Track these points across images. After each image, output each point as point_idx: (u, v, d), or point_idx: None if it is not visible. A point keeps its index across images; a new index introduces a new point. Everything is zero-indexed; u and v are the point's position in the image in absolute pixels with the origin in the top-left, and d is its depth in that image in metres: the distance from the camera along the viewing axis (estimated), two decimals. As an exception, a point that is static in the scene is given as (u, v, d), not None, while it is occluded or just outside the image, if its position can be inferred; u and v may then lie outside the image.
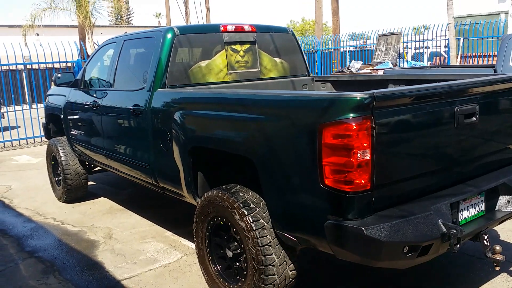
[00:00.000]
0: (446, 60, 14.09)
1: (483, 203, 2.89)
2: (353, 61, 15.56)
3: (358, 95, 2.33)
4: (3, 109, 13.31)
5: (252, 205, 2.93)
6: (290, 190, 2.67)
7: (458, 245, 2.47)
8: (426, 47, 16.08)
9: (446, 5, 12.29)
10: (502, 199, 2.99)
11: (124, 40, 4.65)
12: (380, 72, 13.56)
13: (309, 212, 2.57)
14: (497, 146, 3.16)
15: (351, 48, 17.87)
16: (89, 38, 12.39)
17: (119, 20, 67.78)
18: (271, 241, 2.85)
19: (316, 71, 17.44)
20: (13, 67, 11.83)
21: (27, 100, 12.69)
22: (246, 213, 2.88)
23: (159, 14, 70.31)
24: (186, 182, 3.57)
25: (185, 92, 3.72)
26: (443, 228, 2.45)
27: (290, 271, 2.93)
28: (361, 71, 14.74)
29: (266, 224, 2.87)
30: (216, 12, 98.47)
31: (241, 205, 2.92)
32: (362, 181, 2.36)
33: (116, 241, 4.67)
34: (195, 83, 4.10)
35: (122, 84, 4.50)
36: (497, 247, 2.73)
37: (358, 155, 2.32)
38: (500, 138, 3.16)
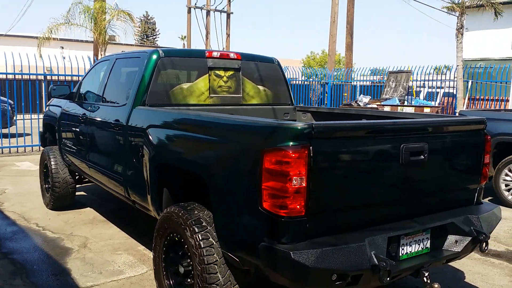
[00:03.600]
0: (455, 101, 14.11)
1: (429, 241, 2.94)
2: (361, 95, 15.70)
3: (299, 124, 2.45)
4: (17, 117, 13.74)
5: (204, 224, 3.02)
6: (233, 210, 2.77)
7: (388, 278, 2.51)
8: (440, 87, 16.16)
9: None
10: (451, 238, 3.04)
11: (116, 59, 4.87)
12: (387, 108, 13.64)
13: (248, 234, 2.66)
14: (449, 187, 3.21)
15: (363, 83, 18.04)
16: (101, 54, 12.83)
17: (145, 40, 69.54)
18: (217, 260, 2.93)
19: (325, 102, 17.62)
20: (33, 77, 12.31)
21: (44, 110, 13.08)
22: (197, 231, 2.98)
23: (184, 37, 71.87)
24: (152, 197, 3.69)
25: (156, 111, 3.88)
26: (375, 260, 2.51)
27: None
28: (368, 106, 14.85)
29: (214, 243, 2.96)
30: (237, 37, 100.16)
31: (193, 222, 3.02)
32: (297, 207, 2.45)
33: (89, 250, 4.78)
34: (175, 104, 4.27)
35: (109, 99, 4.69)
36: (436, 285, 2.77)
37: (294, 181, 2.42)
38: (452, 179, 3.22)
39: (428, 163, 2.94)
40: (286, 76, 16.68)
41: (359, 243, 2.52)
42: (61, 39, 15.16)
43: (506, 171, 6.93)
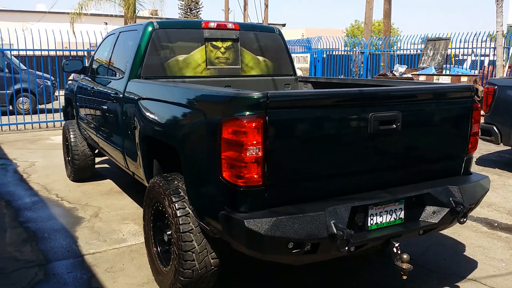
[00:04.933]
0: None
1: (402, 211, 2.88)
2: (397, 64, 15.20)
3: (254, 94, 2.43)
4: (57, 93, 14.35)
5: (182, 193, 3.09)
6: (200, 180, 2.82)
7: (347, 248, 2.50)
8: (485, 55, 15.36)
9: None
10: (428, 209, 2.96)
11: (120, 32, 4.97)
12: (422, 78, 13.17)
13: (212, 203, 2.71)
14: (429, 157, 3.11)
15: (402, 52, 17.42)
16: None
17: (189, 13, 69.89)
18: (192, 229, 3.00)
19: (361, 72, 17.20)
20: (74, 53, 12.78)
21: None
22: (174, 200, 3.06)
23: (229, 10, 71.76)
24: (144, 169, 3.81)
25: (143, 83, 3.94)
26: (334, 229, 2.50)
27: (212, 259, 3.07)
28: (404, 76, 14.39)
29: (191, 212, 3.03)
30: (275, 9, 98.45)
31: (171, 192, 3.10)
32: (254, 176, 2.47)
33: (99, 219, 5.01)
34: (171, 76, 4.32)
35: (112, 72, 4.82)
36: (405, 256, 2.73)
37: (250, 151, 2.43)
38: (433, 149, 3.11)
39: (403, 132, 2.85)
40: (328, 47, 16.29)
41: (318, 212, 2.51)
42: (105, 15, 15.52)
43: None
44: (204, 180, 2.79)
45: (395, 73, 14.67)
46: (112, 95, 4.43)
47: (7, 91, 13.21)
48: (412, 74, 13.53)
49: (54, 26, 15.62)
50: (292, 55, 17.49)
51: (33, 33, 11.48)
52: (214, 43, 4.50)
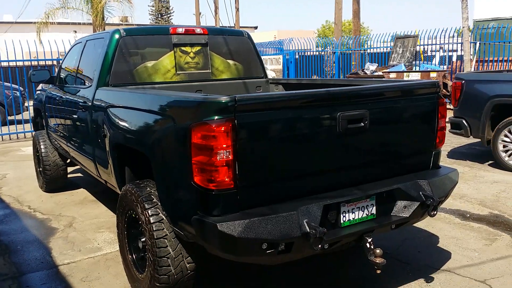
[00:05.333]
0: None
1: (374, 207, 2.93)
2: (368, 63, 15.42)
3: (222, 98, 2.45)
4: (27, 103, 14.05)
5: (154, 200, 3.07)
6: (172, 186, 2.82)
7: (320, 245, 2.53)
8: (453, 51, 15.70)
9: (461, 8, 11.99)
10: (399, 204, 3.02)
11: (87, 40, 4.91)
12: (392, 75, 13.40)
13: (186, 208, 2.71)
14: (397, 153, 3.18)
15: (372, 50, 17.68)
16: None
17: (159, 18, 69.35)
18: (167, 235, 2.99)
19: (333, 72, 17.39)
20: (48, 63, 12.51)
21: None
22: (146, 207, 3.04)
23: (200, 14, 71.54)
24: (115, 176, 3.77)
25: (111, 91, 3.91)
26: (307, 228, 2.52)
27: (188, 263, 3.06)
28: (375, 74, 14.60)
29: (164, 218, 3.02)
30: (246, 12, 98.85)
31: (143, 199, 3.07)
32: (226, 179, 2.47)
33: (73, 229, 4.93)
34: (141, 83, 4.30)
35: (80, 81, 4.76)
36: (377, 251, 2.78)
37: (220, 155, 2.44)
38: (401, 145, 3.18)
39: (371, 130, 2.90)
40: (300, 48, 16.36)
41: (290, 212, 2.54)
42: (73, 23, 15.31)
43: (505, 132, 6.73)
44: (176, 185, 2.78)
45: (366, 71, 14.88)
46: (81, 103, 4.38)
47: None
48: (383, 72, 13.76)
49: (22, 36, 15.29)
50: (265, 57, 17.54)
51: None
52: (183, 48, 4.49)
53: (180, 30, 4.48)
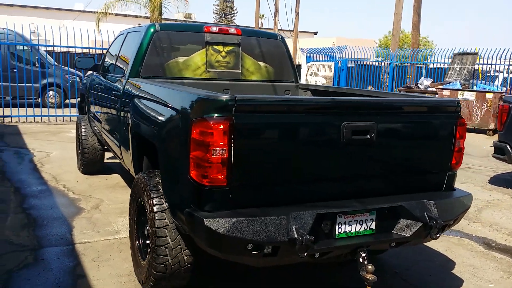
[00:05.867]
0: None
1: (373, 222, 2.87)
2: (422, 77, 14.97)
3: (223, 96, 2.49)
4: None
5: (161, 190, 3.17)
6: (173, 178, 2.89)
7: (306, 253, 2.52)
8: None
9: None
10: (402, 222, 2.94)
11: (128, 32, 5.12)
12: (446, 92, 12.94)
13: (182, 201, 2.77)
14: (406, 170, 3.08)
15: (430, 65, 17.14)
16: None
17: (223, 18, 70.55)
18: (167, 225, 3.07)
19: (386, 84, 17.01)
20: (100, 51, 13.10)
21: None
22: (152, 196, 3.13)
23: (263, 16, 72.13)
24: (134, 164, 3.92)
25: (138, 82, 4.05)
26: (295, 234, 2.52)
27: (186, 256, 3.12)
28: (429, 89, 14.17)
29: (167, 209, 3.10)
30: (308, 17, 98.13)
31: (151, 188, 3.18)
32: (219, 177, 2.52)
33: (99, 211, 5.16)
34: (170, 77, 4.43)
35: (118, 71, 4.97)
36: (370, 267, 2.72)
37: (216, 152, 2.49)
38: (411, 162, 3.08)
39: (378, 143, 2.84)
40: (353, 56, 16.12)
41: (280, 216, 2.54)
42: (130, 16, 15.95)
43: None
44: (176, 178, 2.86)
45: (420, 86, 14.47)
46: (114, 92, 4.57)
47: (37, 85, 13.70)
48: (436, 88, 13.32)
49: (89, 24, 16.12)
50: (317, 63, 17.40)
51: (68, 30, 11.83)
52: (215, 46, 4.59)
53: (214, 29, 4.58)
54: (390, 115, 2.93)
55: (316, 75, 17.39)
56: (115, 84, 4.70)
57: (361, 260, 2.76)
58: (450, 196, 3.14)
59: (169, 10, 12.41)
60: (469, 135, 12.45)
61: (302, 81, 18.86)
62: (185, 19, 39.84)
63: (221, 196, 2.56)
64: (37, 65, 13.88)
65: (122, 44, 5.09)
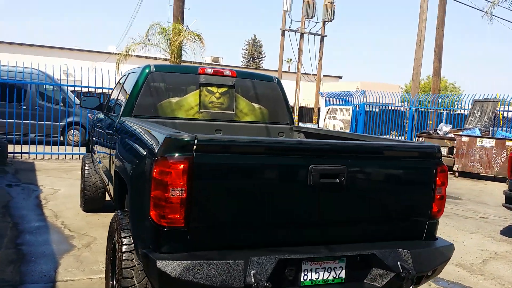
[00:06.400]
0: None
1: (343, 270, 2.74)
2: (442, 123, 14.75)
3: (184, 136, 2.48)
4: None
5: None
6: (138, 217, 2.85)
7: None
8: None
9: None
10: (375, 272, 2.80)
11: (129, 73, 5.24)
12: (465, 139, 12.67)
13: (144, 241, 2.71)
14: (379, 217, 2.95)
15: (451, 111, 16.91)
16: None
17: (251, 62, 72.13)
18: (135, 265, 3.00)
19: (406, 129, 16.81)
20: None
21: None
22: (122, 235, 3.09)
23: (290, 60, 73.43)
24: (115, 203, 3.91)
25: (128, 121, 4.10)
26: (252, 279, 2.42)
27: None
28: (448, 135, 13.93)
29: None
30: (332, 60, 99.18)
31: (122, 227, 3.14)
32: (177, 217, 2.47)
33: (89, 249, 5.12)
34: (163, 117, 4.47)
35: (115, 110, 5.06)
36: (335, 318, 2.58)
37: (174, 192, 2.45)
38: (383, 209, 2.95)
39: (349, 187, 2.75)
40: (373, 101, 16.04)
41: (238, 260, 2.45)
42: (150, 57, 16.51)
43: None
44: (140, 218, 2.81)
45: (439, 132, 14.23)
46: (108, 130, 4.64)
47: (61, 123, 14.12)
48: (454, 134, 13.07)
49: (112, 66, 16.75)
50: (335, 107, 17.39)
51: (97, 72, 12.31)
52: (209, 88, 4.63)
53: (209, 70, 4.64)
54: (362, 159, 2.84)
55: (335, 118, 17.36)
56: (110, 123, 4.77)
57: (327, 311, 2.62)
58: (429, 246, 2.98)
59: (187, 53, 12.79)
60: (488, 184, 12.05)
61: (321, 124, 18.84)
62: (213, 63, 40.92)
63: (179, 238, 2.49)
64: (61, 104, 14.35)
65: (123, 84, 5.21)
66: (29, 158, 11.84)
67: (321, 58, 29.53)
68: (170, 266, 2.37)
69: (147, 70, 4.45)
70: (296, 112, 28.29)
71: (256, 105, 4.86)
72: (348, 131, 16.37)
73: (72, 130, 14.70)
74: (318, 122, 20.24)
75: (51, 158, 12.16)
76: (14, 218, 6.20)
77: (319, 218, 2.78)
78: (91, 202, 6.55)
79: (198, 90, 4.61)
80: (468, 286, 4.68)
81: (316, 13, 27.97)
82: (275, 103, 4.95)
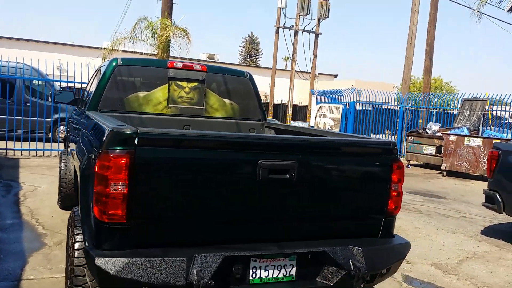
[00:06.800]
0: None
1: (294, 268, 2.68)
2: (431, 122, 14.70)
3: (126, 129, 2.42)
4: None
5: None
6: (84, 214, 2.79)
7: None
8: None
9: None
10: (327, 269, 2.74)
11: (100, 67, 5.17)
12: (452, 138, 12.62)
13: (89, 238, 2.65)
14: (331, 213, 2.90)
15: (442, 110, 16.87)
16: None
17: (248, 59, 71.99)
18: (86, 264, 2.94)
19: (396, 128, 16.77)
20: None
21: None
22: (75, 233, 3.03)
23: (287, 58, 73.26)
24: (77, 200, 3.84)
25: (90, 114, 4.03)
26: (195, 277, 2.36)
27: None
28: (436, 134, 13.89)
29: None
30: (325, 58, 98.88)
31: (75, 224, 3.08)
32: (118, 213, 2.41)
33: (60, 248, 5.05)
34: (130, 111, 4.41)
35: (85, 104, 4.99)
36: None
37: (115, 187, 2.39)
38: (336, 206, 2.90)
39: (300, 183, 2.70)
40: (372, 99, 15.94)
41: (179, 258, 2.39)
42: (136, 53, 16.30)
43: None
44: (87, 214, 2.75)
45: (428, 130, 14.19)
46: (75, 125, 4.58)
47: (47, 119, 14.00)
48: (442, 133, 13.03)
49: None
50: (326, 105, 17.30)
51: (90, 67, 12.19)
52: (178, 82, 4.57)
53: (178, 65, 4.58)
54: (314, 155, 2.79)
55: (325, 116, 17.30)
56: (78, 117, 4.71)
57: (275, 309, 2.57)
58: (383, 244, 2.93)
59: (175, 49, 12.68)
60: (475, 183, 12.00)
61: (312, 122, 18.77)
62: (208, 59, 40.80)
63: (121, 235, 2.44)
64: (50, 99, 14.22)
65: (94, 78, 5.14)
66: (14, 154, 11.75)
67: (315, 56, 29.47)
68: (109, 264, 2.32)
69: (114, 63, 4.39)
70: (290, 110, 28.27)
71: (227, 101, 4.80)
72: (337, 129, 16.32)
73: (61, 127, 14.61)
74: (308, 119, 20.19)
75: (36, 154, 12.07)
76: (-11, 215, 6.13)
77: (269, 215, 2.73)
78: (68, 199, 6.46)
79: (167, 85, 4.54)
80: (440, 286, 4.63)
81: (310, 10, 27.96)
82: (247, 99, 4.89)
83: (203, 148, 2.55)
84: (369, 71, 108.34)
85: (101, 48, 14.46)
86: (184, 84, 4.61)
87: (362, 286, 2.69)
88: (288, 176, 2.65)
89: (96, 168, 2.46)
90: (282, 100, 32.07)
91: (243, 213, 2.67)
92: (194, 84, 4.65)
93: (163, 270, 2.36)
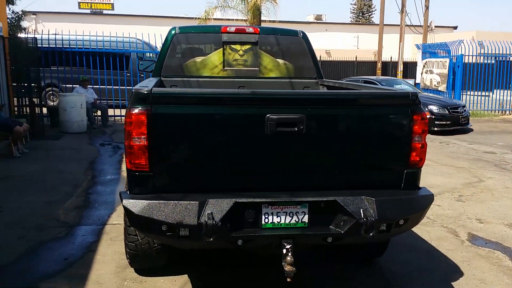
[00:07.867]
0: None
1: (306, 215, 2.84)
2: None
3: (143, 89, 2.75)
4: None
5: None
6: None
7: (212, 238, 2.63)
8: None
9: None
10: (339, 218, 2.85)
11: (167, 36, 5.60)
12: None
13: (127, 185, 3.08)
14: (349, 165, 2.95)
15: None
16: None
17: (360, 16, 69.14)
18: None
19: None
20: None
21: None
22: (128, 181, 3.51)
23: (405, 12, 68.76)
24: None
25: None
26: (205, 218, 2.65)
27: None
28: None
29: None
30: (447, 11, 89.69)
31: None
32: (142, 163, 2.78)
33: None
34: (189, 76, 4.79)
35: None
36: (288, 258, 2.73)
37: (136, 140, 2.75)
38: (350, 157, 2.94)
39: (310, 136, 2.81)
40: (473, 52, 14.65)
41: (192, 201, 2.69)
42: (227, 19, 16.54)
43: None
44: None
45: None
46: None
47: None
48: None
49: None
50: (432, 59, 16.18)
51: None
52: (232, 46, 4.81)
53: (231, 29, 4.80)
54: (324, 109, 2.86)
55: (431, 72, 16.26)
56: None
57: (284, 251, 2.77)
58: (402, 195, 2.93)
59: (263, 13, 12.77)
60: None
61: (418, 79, 17.78)
62: (315, 21, 40.12)
63: (145, 181, 2.81)
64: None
65: (163, 47, 5.59)
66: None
67: (427, 8, 27.47)
68: (133, 204, 2.71)
69: (172, 32, 4.76)
70: (400, 68, 26.93)
71: (281, 61, 4.93)
72: (444, 85, 15.29)
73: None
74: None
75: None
76: (95, 171, 7.11)
77: (281, 166, 2.89)
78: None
79: (222, 49, 4.81)
80: (507, 246, 4.39)
81: (422, -43, 25.90)
82: (301, 58, 4.96)
83: (212, 105, 2.79)
84: (493, 21, 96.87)
85: (197, 18, 15.19)
86: (238, 47, 4.83)
87: (371, 234, 2.75)
88: (296, 129, 2.78)
89: (125, 125, 2.85)
90: (391, 58, 30.61)
91: (255, 164, 2.87)
92: (248, 46, 4.84)
93: (177, 212, 2.69)
